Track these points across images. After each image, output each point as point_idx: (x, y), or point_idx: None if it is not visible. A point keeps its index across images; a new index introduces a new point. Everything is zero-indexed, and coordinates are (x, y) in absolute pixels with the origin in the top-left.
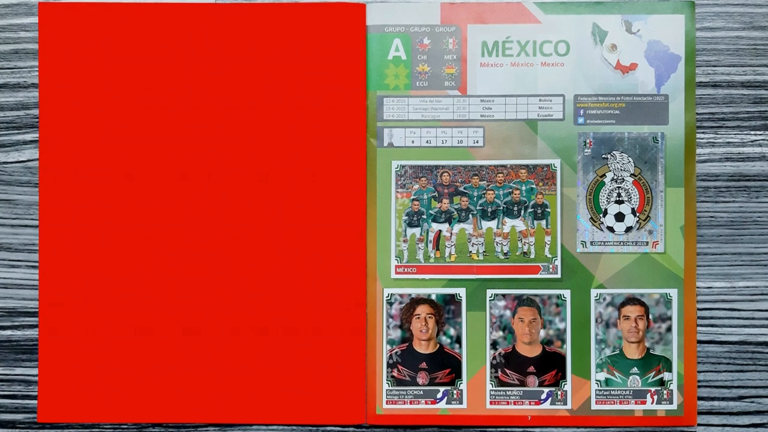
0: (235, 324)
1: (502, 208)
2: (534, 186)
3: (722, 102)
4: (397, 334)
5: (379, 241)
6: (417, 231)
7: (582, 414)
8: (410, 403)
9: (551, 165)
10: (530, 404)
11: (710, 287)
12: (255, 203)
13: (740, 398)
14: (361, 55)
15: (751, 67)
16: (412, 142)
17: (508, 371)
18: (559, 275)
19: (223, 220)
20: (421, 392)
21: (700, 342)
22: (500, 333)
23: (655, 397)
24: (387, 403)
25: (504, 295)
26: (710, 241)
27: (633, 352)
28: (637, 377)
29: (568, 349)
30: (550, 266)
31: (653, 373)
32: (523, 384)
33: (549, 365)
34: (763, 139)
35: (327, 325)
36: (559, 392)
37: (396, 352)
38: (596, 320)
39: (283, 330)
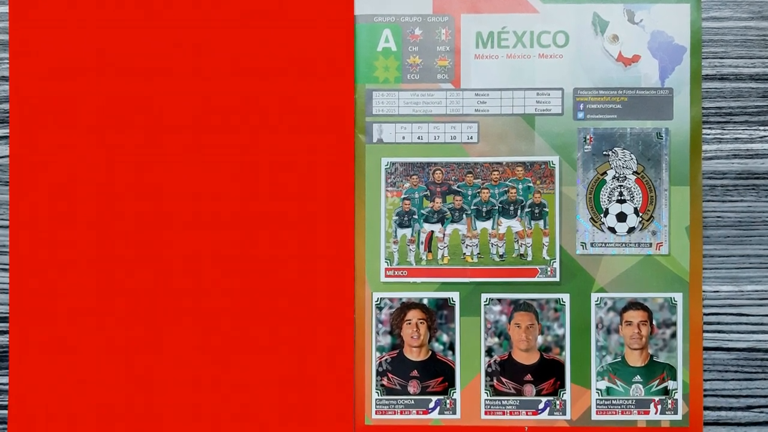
0: (216, 331)
1: (497, 207)
2: (531, 184)
3: (730, 96)
4: (386, 340)
5: (367, 243)
6: (408, 232)
7: (582, 425)
8: (401, 413)
9: (549, 162)
10: (527, 414)
11: (717, 291)
12: (236, 203)
13: (748, 408)
14: (349, 46)
15: (759, 59)
16: (403, 138)
17: (503, 380)
18: (557, 278)
19: (204, 221)
20: (413, 402)
21: (706, 349)
22: (496, 339)
23: (659, 407)
24: (376, 414)
25: (499, 300)
26: (717, 242)
27: (635, 360)
28: (640, 386)
29: (567, 357)
30: (548, 269)
31: (657, 381)
32: (519, 393)
33: (547, 373)
34: None
35: (313, 330)
36: (557, 402)
37: (386, 360)
38: (597, 326)
39: (267, 336)
